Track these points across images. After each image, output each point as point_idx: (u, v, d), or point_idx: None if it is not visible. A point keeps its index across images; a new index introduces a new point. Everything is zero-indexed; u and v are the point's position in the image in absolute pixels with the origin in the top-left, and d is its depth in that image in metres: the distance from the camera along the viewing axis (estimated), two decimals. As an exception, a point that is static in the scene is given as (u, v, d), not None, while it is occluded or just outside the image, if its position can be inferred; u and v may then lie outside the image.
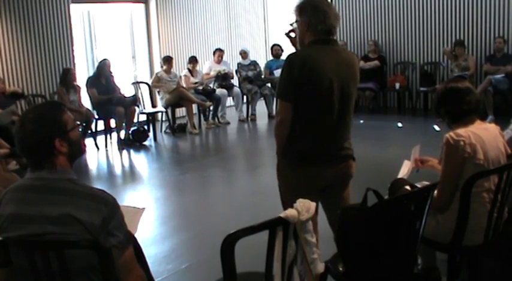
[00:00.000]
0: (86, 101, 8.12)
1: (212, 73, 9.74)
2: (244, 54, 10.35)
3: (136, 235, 2.29)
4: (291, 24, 2.87)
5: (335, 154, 2.75)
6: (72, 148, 1.98)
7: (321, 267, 2.02)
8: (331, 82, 2.63)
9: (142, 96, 8.95)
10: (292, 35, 2.94)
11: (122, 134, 8.14)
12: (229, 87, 9.80)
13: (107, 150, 7.99)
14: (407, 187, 2.51)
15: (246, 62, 10.29)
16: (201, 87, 9.33)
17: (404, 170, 3.13)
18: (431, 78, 9.25)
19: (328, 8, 2.69)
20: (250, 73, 10.09)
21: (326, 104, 2.66)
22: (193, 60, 9.48)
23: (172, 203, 5.52)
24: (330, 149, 2.73)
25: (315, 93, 2.64)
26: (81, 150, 2.11)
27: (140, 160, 7.69)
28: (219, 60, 9.89)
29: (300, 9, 2.73)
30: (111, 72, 8.17)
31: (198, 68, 9.64)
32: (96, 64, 8.58)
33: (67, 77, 7.71)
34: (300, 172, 2.73)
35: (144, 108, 8.97)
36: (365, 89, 9.35)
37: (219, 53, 9.91)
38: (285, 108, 2.66)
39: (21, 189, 1.97)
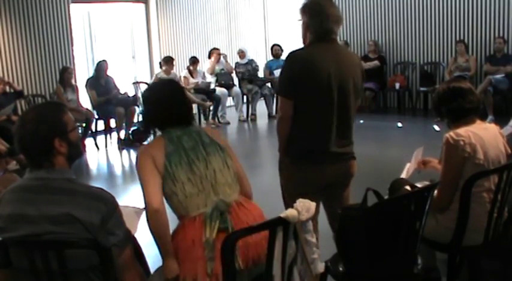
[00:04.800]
0: (85, 101, 8.12)
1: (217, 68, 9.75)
2: (242, 53, 10.35)
3: (136, 235, 2.29)
4: (299, 20, 2.89)
5: (335, 152, 2.74)
6: (71, 149, 1.98)
7: (321, 267, 2.02)
8: (330, 80, 2.64)
9: (142, 96, 8.92)
10: None
11: (122, 134, 8.13)
12: (229, 87, 9.78)
13: (107, 150, 7.98)
14: (407, 187, 2.51)
15: (244, 61, 10.30)
16: (201, 81, 9.31)
17: (407, 171, 3.13)
18: (431, 78, 9.24)
19: (329, 10, 2.69)
20: (246, 73, 10.09)
21: (325, 103, 2.66)
22: (194, 60, 9.47)
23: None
24: (330, 147, 2.72)
25: (314, 92, 2.65)
26: (80, 151, 2.11)
27: (140, 160, 7.67)
28: (218, 59, 9.87)
29: (302, 11, 2.75)
30: (107, 76, 8.15)
31: (198, 68, 9.63)
32: (95, 64, 8.57)
33: (64, 75, 7.71)
34: (301, 170, 2.74)
35: (144, 108, 8.93)
36: (365, 89, 9.32)
37: (215, 51, 9.88)
38: (285, 105, 2.68)
39: (20, 189, 1.96)
